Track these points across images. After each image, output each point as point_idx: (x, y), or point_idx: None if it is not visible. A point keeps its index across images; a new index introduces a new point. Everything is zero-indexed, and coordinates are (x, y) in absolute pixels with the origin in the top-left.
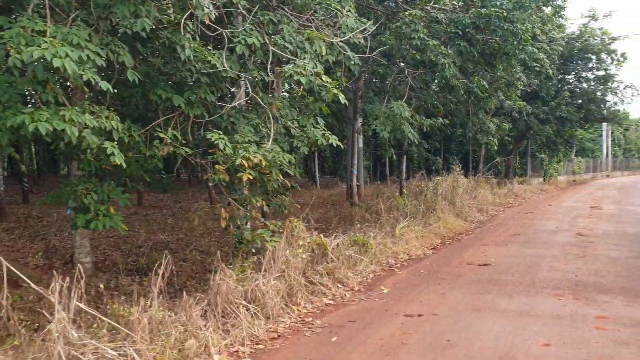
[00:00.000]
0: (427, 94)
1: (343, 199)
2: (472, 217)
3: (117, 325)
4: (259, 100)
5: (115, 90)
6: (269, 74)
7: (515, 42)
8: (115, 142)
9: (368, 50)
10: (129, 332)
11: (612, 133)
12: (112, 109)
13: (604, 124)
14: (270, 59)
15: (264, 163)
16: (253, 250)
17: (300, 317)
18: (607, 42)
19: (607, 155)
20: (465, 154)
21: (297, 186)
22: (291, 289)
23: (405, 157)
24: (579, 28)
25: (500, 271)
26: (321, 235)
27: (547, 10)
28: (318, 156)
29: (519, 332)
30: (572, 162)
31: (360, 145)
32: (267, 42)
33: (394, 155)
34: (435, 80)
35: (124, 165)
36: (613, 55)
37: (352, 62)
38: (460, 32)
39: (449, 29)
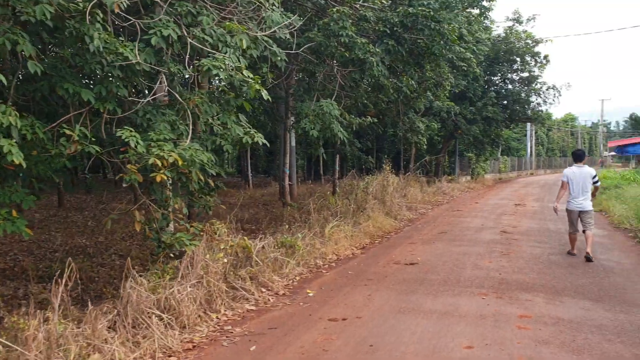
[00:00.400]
0: (357, 92)
1: (275, 199)
2: (402, 216)
3: (7, 343)
4: (177, 95)
5: (18, 83)
6: (187, 67)
7: (442, 42)
8: (14, 140)
9: (295, 46)
10: (22, 351)
11: (535, 133)
12: (11, 103)
13: (528, 124)
14: (188, 52)
15: (180, 162)
16: (172, 255)
17: (219, 325)
18: (531, 44)
19: (531, 154)
20: (397, 153)
21: (223, 186)
22: (210, 296)
23: (338, 156)
24: (505, 31)
25: (426, 270)
26: (245, 238)
27: (475, 11)
28: (251, 155)
29: (442, 334)
30: (498, 161)
31: (293, 144)
32: (186, 34)
33: (327, 155)
34: (365, 79)
35: (24, 165)
36: (537, 58)
37: (279, 58)
38: (388, 31)
39: (377, 28)
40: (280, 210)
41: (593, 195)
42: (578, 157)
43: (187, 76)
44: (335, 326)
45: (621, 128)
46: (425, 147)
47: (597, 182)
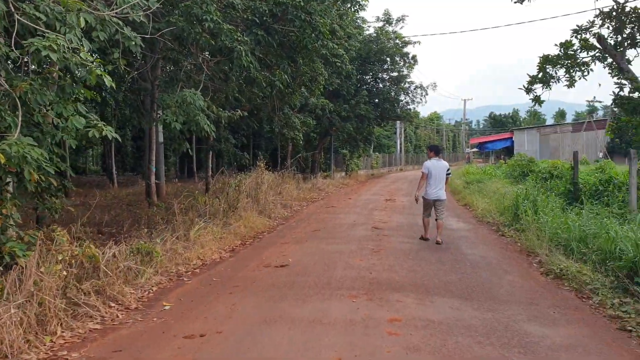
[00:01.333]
0: (228, 85)
1: (142, 199)
2: (276, 214)
3: None
4: (2, 81)
5: None
6: (13, 49)
7: (314, 35)
8: None
9: (153, 31)
10: None
11: (404, 130)
12: None
13: (398, 122)
14: (16, 31)
15: (3, 160)
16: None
17: (52, 351)
18: (401, 45)
19: (400, 151)
20: (274, 149)
21: (71, 186)
22: (45, 315)
23: (211, 152)
24: (376, 31)
25: (297, 272)
26: (92, 245)
27: (347, 6)
28: (117, 152)
29: (310, 346)
30: (370, 157)
31: (161, 139)
32: (14, 9)
33: (201, 151)
34: (235, 71)
35: None
36: (405, 58)
37: (133, 43)
38: (257, 20)
39: (246, 16)
40: (146, 211)
41: (446, 185)
42: (436, 151)
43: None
44: (191, 344)
45: (481, 126)
46: (302, 143)
47: (449, 174)
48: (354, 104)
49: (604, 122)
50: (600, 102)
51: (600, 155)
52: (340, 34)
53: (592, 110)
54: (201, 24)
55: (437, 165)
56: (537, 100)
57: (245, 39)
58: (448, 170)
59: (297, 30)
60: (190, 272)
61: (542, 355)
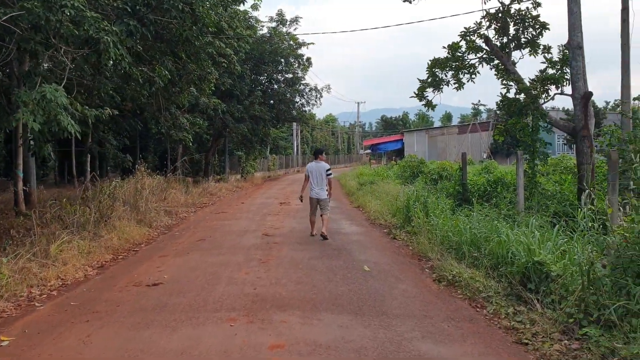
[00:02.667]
0: (99, 80)
1: (10, 207)
2: (159, 222)
3: None
4: None
5: None
6: None
7: (195, 28)
8: None
9: (5, 17)
10: None
11: (301, 132)
12: None
13: (294, 124)
14: None
15: None
16: None
17: None
18: (295, 47)
19: (297, 152)
20: (163, 152)
21: None
22: None
23: (90, 155)
24: (269, 31)
25: (172, 291)
26: None
27: (240, 8)
28: None
29: None
30: (267, 159)
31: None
32: None
33: (82, 154)
34: (106, 65)
35: None
36: (300, 60)
37: None
38: (129, 9)
39: (115, 4)
40: (11, 222)
41: (329, 186)
42: (316, 153)
43: None
44: None
45: (374, 128)
46: (192, 145)
47: (329, 174)
48: (248, 104)
49: (487, 124)
50: (484, 105)
51: (485, 155)
52: (230, 34)
53: (476, 113)
54: (62, 11)
55: (317, 167)
56: (429, 104)
57: (114, 29)
58: (328, 170)
59: (176, 21)
60: (45, 296)
61: None
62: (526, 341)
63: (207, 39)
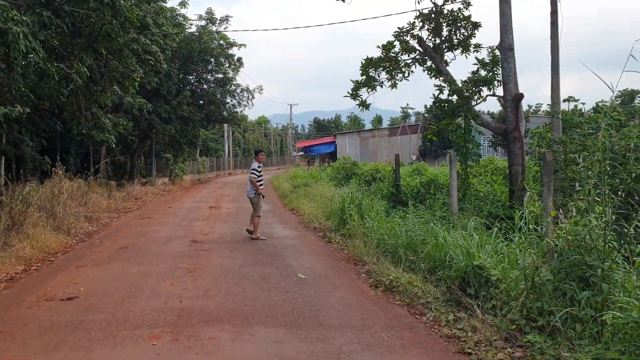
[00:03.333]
0: (11, 77)
1: None
2: (78, 229)
3: None
4: None
5: None
6: None
7: (115, 22)
8: None
9: None
10: None
11: (232, 134)
12: None
13: (225, 125)
14: None
15: None
16: None
17: None
18: (225, 46)
19: (229, 155)
20: (86, 154)
21: None
22: None
23: (4, 157)
24: (198, 29)
25: (88, 306)
26: None
27: (166, 5)
28: None
29: None
30: (197, 162)
31: None
32: None
33: None
34: (13, 58)
35: None
36: (231, 60)
37: None
38: None
39: None
40: None
41: (253, 184)
42: (257, 153)
43: None
44: None
45: (307, 131)
46: (116, 147)
47: (251, 173)
48: (176, 104)
49: (416, 126)
50: (412, 108)
51: (414, 157)
52: (155, 31)
53: (405, 116)
54: None
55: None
56: (364, 104)
57: (24, 19)
58: (251, 170)
59: (95, 14)
60: None
61: None
62: (469, 350)
63: (131, 35)
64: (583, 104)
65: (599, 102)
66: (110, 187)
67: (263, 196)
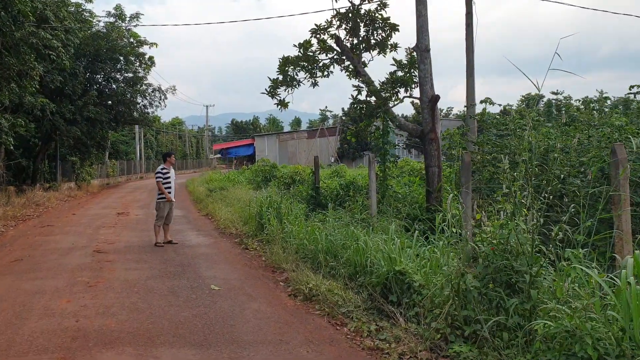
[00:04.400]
0: None
1: None
2: None
3: None
4: None
5: None
6: None
7: (5, 14)
8: None
9: None
10: None
11: (144, 136)
12: None
13: (137, 127)
14: None
15: None
16: None
17: None
18: (136, 44)
19: (140, 158)
20: None
21: None
22: None
23: None
24: (106, 26)
25: None
26: None
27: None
28: None
29: None
30: (106, 165)
31: None
32: None
33: None
34: None
35: None
36: (142, 59)
37: None
38: None
39: None
40: None
41: (159, 188)
42: (165, 156)
43: None
44: None
45: (224, 133)
46: (16, 149)
47: (156, 178)
48: (82, 105)
49: (334, 129)
50: (330, 111)
51: (332, 159)
52: (56, 24)
53: (324, 118)
54: None
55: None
56: (282, 103)
57: None
58: (155, 173)
59: None
60: None
61: None
62: None
63: (29, 29)
64: (500, 105)
65: (505, 105)
66: (8, 193)
67: (171, 201)
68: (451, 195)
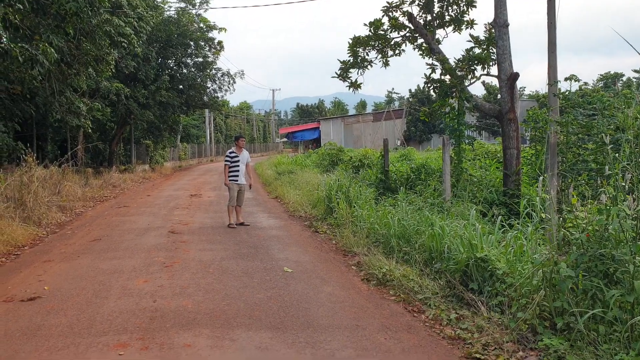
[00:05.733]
0: None
1: None
2: (50, 219)
3: None
4: None
5: None
6: None
7: (82, 0)
8: None
9: None
10: None
11: (214, 120)
12: None
13: (207, 111)
14: None
15: None
16: None
17: None
18: (205, 29)
19: (210, 141)
20: (63, 140)
21: None
22: None
23: None
24: (177, 12)
25: (50, 308)
26: None
27: None
28: None
29: None
30: (178, 148)
31: None
32: None
33: None
34: None
35: None
36: (211, 44)
37: None
38: None
39: None
40: None
41: (224, 173)
42: (237, 139)
43: None
44: None
45: (289, 117)
46: (94, 133)
47: (225, 161)
48: (155, 89)
49: (401, 111)
50: (397, 93)
51: (399, 142)
52: (129, 12)
53: (389, 101)
54: None
55: (244, 153)
56: (354, 84)
57: None
58: (225, 157)
59: None
60: None
61: None
62: (477, 355)
63: (104, 16)
64: (585, 83)
65: (582, 85)
66: (87, 175)
67: (239, 184)
68: (541, 178)
